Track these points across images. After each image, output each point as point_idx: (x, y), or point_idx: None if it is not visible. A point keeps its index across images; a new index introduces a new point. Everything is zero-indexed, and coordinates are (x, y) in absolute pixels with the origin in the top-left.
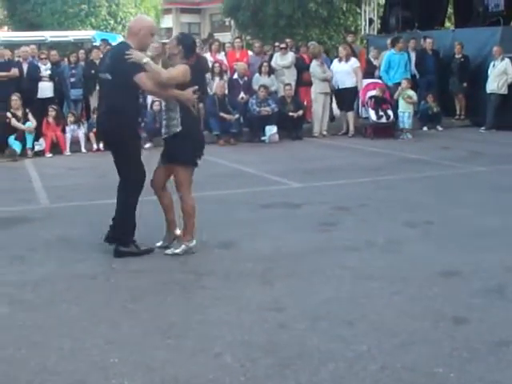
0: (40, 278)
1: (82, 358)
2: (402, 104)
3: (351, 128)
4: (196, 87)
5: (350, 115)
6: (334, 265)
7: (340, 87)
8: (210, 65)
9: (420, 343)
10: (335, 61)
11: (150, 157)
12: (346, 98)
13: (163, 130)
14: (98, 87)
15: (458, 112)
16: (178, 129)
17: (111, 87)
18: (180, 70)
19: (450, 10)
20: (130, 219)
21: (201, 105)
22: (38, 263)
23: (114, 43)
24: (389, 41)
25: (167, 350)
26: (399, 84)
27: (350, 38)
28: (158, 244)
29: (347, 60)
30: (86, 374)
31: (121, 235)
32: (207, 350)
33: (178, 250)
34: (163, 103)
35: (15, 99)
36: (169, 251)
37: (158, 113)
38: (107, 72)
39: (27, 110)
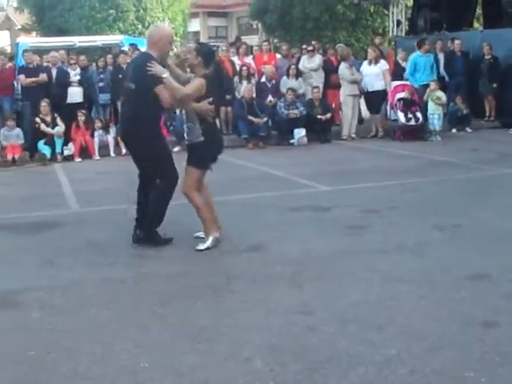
0: (69, 282)
1: (112, 362)
2: (431, 106)
3: (379, 130)
4: (211, 99)
5: (379, 117)
6: (363, 268)
7: (369, 90)
8: (238, 68)
9: (449, 347)
10: (365, 63)
11: (180, 160)
12: (375, 100)
13: (185, 137)
14: None
15: (487, 113)
16: (200, 139)
17: (134, 95)
18: (195, 86)
19: (479, 11)
20: (159, 215)
21: (229, 108)
22: (68, 268)
23: (141, 48)
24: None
25: (197, 354)
26: (426, 86)
27: (377, 40)
28: (198, 234)
29: (377, 62)
30: (117, 378)
31: (147, 227)
32: (237, 355)
33: (207, 244)
34: (183, 112)
35: (44, 105)
36: (201, 247)
37: None
38: (131, 82)
39: (56, 115)
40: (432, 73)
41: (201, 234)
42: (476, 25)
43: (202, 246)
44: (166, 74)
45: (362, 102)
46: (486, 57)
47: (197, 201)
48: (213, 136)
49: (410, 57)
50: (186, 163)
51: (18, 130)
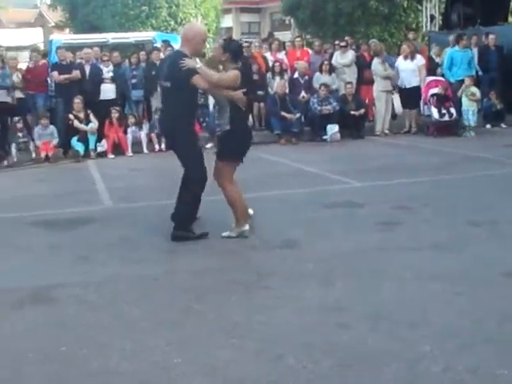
0: (103, 278)
1: (144, 358)
2: (465, 101)
3: (413, 125)
4: (244, 89)
5: (414, 113)
6: (396, 265)
7: (406, 86)
8: (271, 64)
9: (483, 344)
10: (400, 58)
11: (212, 156)
12: (411, 95)
13: (217, 128)
14: (158, 88)
15: None
16: (227, 127)
17: (170, 93)
18: (230, 76)
19: None
20: (188, 209)
21: (262, 104)
22: (101, 264)
23: (174, 44)
24: (451, 37)
25: (231, 350)
26: (462, 81)
27: (411, 36)
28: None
29: (412, 58)
30: (148, 374)
31: (178, 221)
32: (270, 351)
33: (233, 233)
34: (214, 102)
35: (78, 102)
36: (225, 233)
37: None
38: (166, 80)
39: (89, 112)
40: (470, 68)
41: (232, 234)
42: (510, 19)
43: (225, 233)
44: (199, 65)
45: (396, 97)
46: None
47: (230, 192)
48: (241, 126)
49: (447, 51)
50: (216, 156)
51: (52, 129)
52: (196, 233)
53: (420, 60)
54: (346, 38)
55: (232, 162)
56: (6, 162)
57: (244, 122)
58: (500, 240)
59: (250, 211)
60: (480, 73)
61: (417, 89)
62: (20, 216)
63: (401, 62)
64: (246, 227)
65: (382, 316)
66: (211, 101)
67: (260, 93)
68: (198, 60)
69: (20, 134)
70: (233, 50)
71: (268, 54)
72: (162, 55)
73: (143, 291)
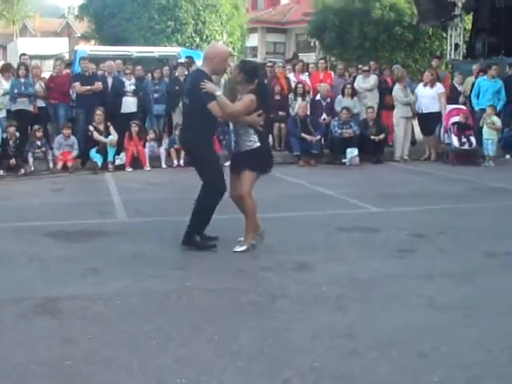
0: (113, 292)
1: (150, 376)
2: (485, 131)
3: (433, 153)
4: (260, 111)
5: (432, 140)
6: (410, 293)
7: (424, 111)
8: (293, 85)
9: (494, 378)
10: (420, 85)
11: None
12: (429, 122)
13: (234, 146)
14: (181, 104)
15: None
16: (257, 144)
17: (189, 110)
18: (244, 103)
19: None
20: (201, 218)
21: (282, 125)
22: (112, 277)
23: (198, 61)
24: (475, 66)
25: (236, 372)
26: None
27: (434, 63)
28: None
29: (432, 85)
30: None
31: (190, 227)
32: (276, 375)
33: (244, 247)
34: (236, 125)
35: (99, 113)
36: (237, 249)
37: None
38: (186, 97)
39: (109, 124)
40: (498, 99)
41: (243, 248)
42: None
43: (238, 248)
44: (218, 92)
45: (416, 123)
46: None
47: (248, 205)
48: (266, 144)
49: (473, 80)
50: (240, 169)
51: (72, 139)
52: (205, 243)
53: (440, 88)
54: (371, 62)
55: (255, 176)
56: (22, 171)
57: (265, 139)
58: None
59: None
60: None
61: (434, 115)
62: (34, 225)
63: (420, 89)
64: (254, 241)
65: (392, 344)
66: None
67: (281, 113)
68: (219, 85)
69: (38, 143)
70: (248, 71)
71: (291, 75)
72: (186, 71)
73: (153, 307)
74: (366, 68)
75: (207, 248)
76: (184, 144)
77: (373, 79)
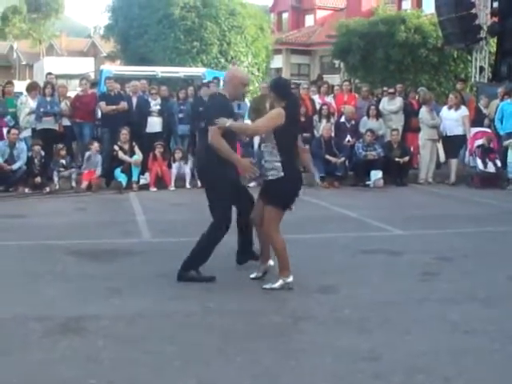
0: (136, 312)
1: None
2: (510, 154)
3: (453, 176)
4: (253, 160)
5: (454, 163)
6: (434, 316)
7: (448, 135)
8: (318, 107)
9: None
10: (445, 108)
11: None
12: (452, 145)
13: (263, 172)
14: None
15: None
16: (280, 174)
17: (203, 134)
18: (268, 117)
19: None
20: (203, 252)
21: (307, 146)
22: (135, 298)
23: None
24: (500, 89)
25: None
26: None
27: (459, 86)
28: (252, 276)
29: (457, 108)
30: None
31: (188, 261)
32: None
33: (275, 285)
34: (262, 145)
35: (125, 133)
36: (267, 286)
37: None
38: (202, 120)
39: (134, 144)
40: None
41: (275, 286)
42: None
43: (268, 285)
44: (228, 123)
45: (441, 146)
46: None
47: (276, 242)
48: (292, 171)
49: (497, 103)
50: (264, 200)
51: (99, 158)
52: (203, 275)
53: (464, 111)
54: (398, 85)
55: (281, 210)
56: (47, 189)
57: (295, 168)
58: None
59: (271, 262)
60: None
61: (458, 138)
62: (59, 244)
63: (445, 111)
64: (290, 278)
65: (416, 368)
66: (256, 140)
67: (306, 135)
68: (243, 108)
69: (63, 162)
70: (278, 89)
71: (316, 97)
72: (210, 92)
73: (175, 328)
74: (391, 90)
75: (206, 280)
76: (197, 169)
77: (398, 101)
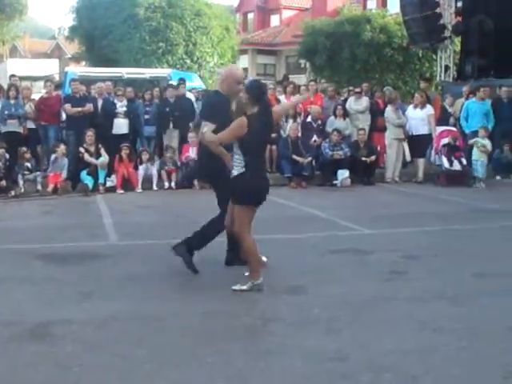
0: (105, 316)
1: None
2: (475, 152)
3: (420, 175)
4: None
5: (421, 162)
6: (401, 315)
7: (414, 134)
8: None
9: None
10: (410, 107)
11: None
12: (418, 144)
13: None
14: (171, 125)
15: None
16: (242, 170)
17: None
18: (229, 130)
19: None
20: (203, 237)
21: (273, 147)
22: (105, 301)
23: (189, 83)
24: (464, 88)
25: None
26: (477, 132)
27: (423, 85)
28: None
29: (422, 107)
30: None
31: (187, 239)
32: None
33: (244, 287)
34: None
35: (90, 135)
36: (236, 287)
37: None
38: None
39: (100, 146)
40: (487, 120)
41: (244, 287)
42: None
43: (237, 287)
44: (205, 129)
45: (407, 145)
46: None
47: (247, 243)
48: (256, 170)
49: (462, 102)
50: (233, 200)
51: (65, 161)
52: (191, 261)
53: (429, 110)
54: (364, 84)
55: (249, 209)
56: (12, 193)
57: (260, 168)
58: (506, 294)
59: (264, 259)
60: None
61: (424, 137)
62: (25, 248)
63: (410, 111)
64: (260, 280)
65: (384, 367)
66: None
67: (272, 135)
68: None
69: (28, 165)
70: (253, 91)
71: (282, 97)
72: (176, 93)
73: (146, 331)
74: (358, 90)
75: (191, 268)
76: (200, 167)
77: (365, 101)
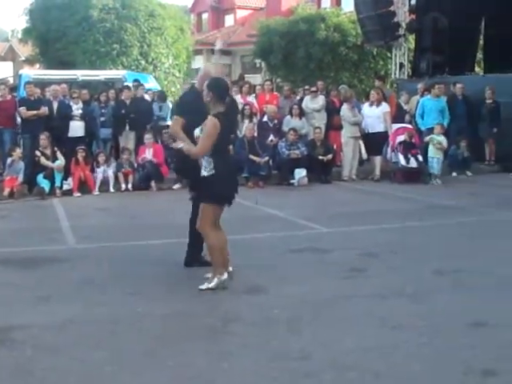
0: (64, 320)
1: None
2: (431, 149)
3: (377, 172)
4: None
5: (378, 160)
6: (362, 313)
7: (370, 131)
8: (240, 107)
9: None
10: (366, 105)
11: (180, 197)
12: (375, 142)
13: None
14: (127, 127)
15: (487, 157)
16: (211, 172)
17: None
18: (206, 137)
19: (480, 56)
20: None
21: (230, 147)
22: (64, 305)
23: (145, 83)
24: (419, 85)
25: None
26: (432, 129)
27: (377, 83)
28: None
29: (378, 105)
30: None
31: (191, 251)
32: None
33: (211, 285)
34: None
35: (44, 138)
36: (203, 287)
37: None
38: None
39: (56, 149)
40: (442, 117)
41: (210, 286)
42: (477, 69)
43: (204, 286)
44: (180, 145)
45: (363, 143)
46: (488, 101)
47: (210, 239)
48: (224, 169)
49: (417, 99)
50: (200, 199)
51: (21, 165)
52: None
53: (385, 107)
54: (319, 83)
55: (215, 207)
56: None
57: (228, 166)
58: (465, 290)
59: (230, 268)
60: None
61: (380, 135)
62: None
63: (366, 108)
64: (225, 276)
65: (346, 365)
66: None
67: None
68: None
69: None
70: (218, 90)
71: (238, 97)
72: (132, 95)
73: (105, 334)
74: (314, 89)
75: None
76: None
77: (321, 100)
